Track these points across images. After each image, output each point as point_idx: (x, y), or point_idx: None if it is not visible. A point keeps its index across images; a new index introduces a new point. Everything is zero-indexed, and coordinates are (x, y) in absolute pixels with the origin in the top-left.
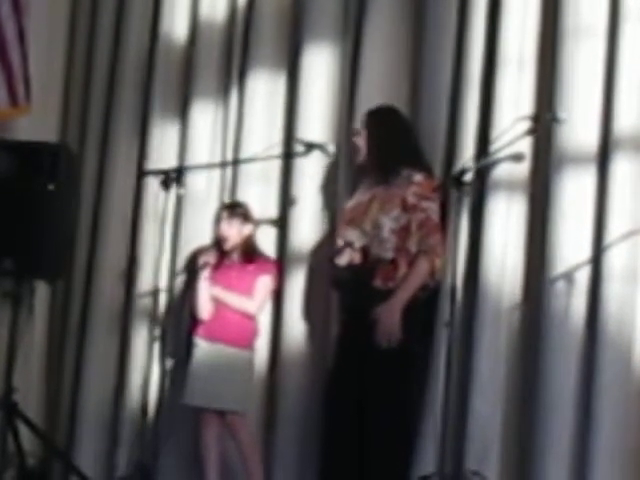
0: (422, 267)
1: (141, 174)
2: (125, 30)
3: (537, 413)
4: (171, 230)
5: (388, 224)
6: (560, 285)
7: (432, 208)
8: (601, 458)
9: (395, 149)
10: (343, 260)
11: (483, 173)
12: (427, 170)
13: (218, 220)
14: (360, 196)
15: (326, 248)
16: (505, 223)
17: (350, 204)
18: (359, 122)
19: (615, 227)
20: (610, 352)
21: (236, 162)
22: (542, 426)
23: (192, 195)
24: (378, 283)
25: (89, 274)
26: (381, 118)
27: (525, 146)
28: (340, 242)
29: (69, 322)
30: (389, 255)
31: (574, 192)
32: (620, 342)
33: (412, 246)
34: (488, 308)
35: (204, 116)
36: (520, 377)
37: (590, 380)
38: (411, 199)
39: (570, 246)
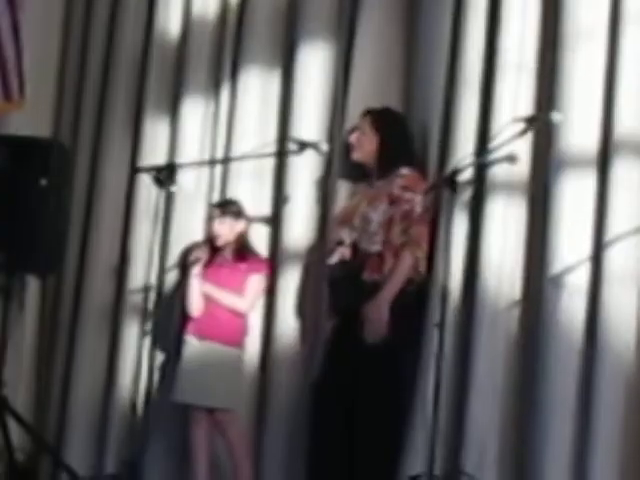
0: (406, 261)
1: (133, 170)
2: (120, 26)
3: (535, 416)
4: (162, 227)
5: (376, 218)
6: (557, 287)
7: (416, 200)
8: (600, 461)
9: (400, 151)
10: (334, 258)
11: (481, 174)
12: (419, 168)
13: (210, 218)
14: (353, 198)
15: (319, 248)
16: (504, 225)
17: (343, 206)
18: (357, 121)
19: (614, 230)
20: (608, 354)
21: (229, 160)
22: (540, 430)
23: (183, 192)
24: (365, 276)
25: (81, 270)
26: (392, 119)
27: (524, 148)
28: (332, 243)
29: (60, 317)
30: (376, 248)
31: (573, 194)
32: (618, 344)
33: (395, 237)
34: (486, 310)
35: (195, 113)
36: (518, 380)
37: (588, 382)
38: (396, 191)
39: (568, 248)
